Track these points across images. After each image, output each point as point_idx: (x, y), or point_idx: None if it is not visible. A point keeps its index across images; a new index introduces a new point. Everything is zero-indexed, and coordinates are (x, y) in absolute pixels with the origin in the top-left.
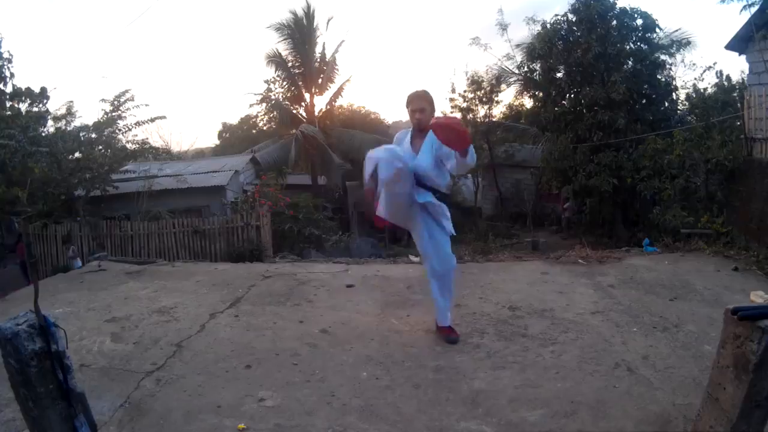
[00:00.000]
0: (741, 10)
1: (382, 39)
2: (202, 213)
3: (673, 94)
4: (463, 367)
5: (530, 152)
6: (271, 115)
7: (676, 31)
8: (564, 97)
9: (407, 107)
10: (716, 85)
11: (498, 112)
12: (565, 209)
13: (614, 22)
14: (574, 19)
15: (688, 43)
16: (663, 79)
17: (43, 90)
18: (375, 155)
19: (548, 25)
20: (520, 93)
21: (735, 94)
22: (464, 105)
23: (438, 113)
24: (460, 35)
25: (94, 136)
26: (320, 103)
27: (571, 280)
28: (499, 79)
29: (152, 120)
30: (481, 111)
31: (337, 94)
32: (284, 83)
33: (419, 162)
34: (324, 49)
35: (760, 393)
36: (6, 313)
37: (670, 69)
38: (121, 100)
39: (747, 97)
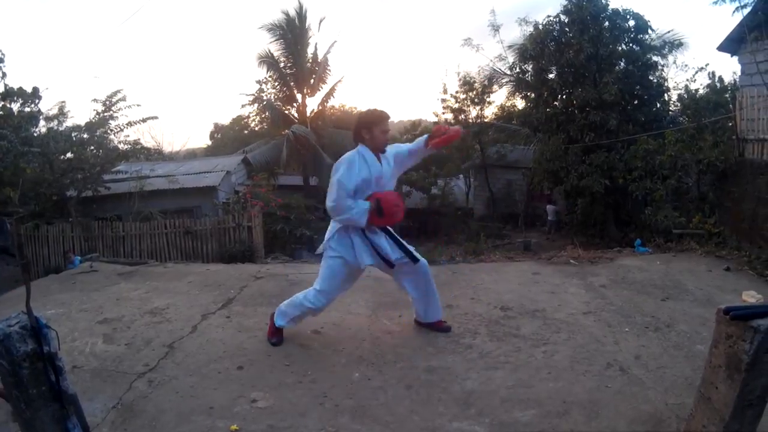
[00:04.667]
0: (733, 12)
1: (375, 40)
2: (194, 214)
3: (665, 95)
4: (455, 367)
5: (522, 153)
6: (263, 116)
7: (669, 32)
8: (556, 98)
9: (378, 125)
10: (708, 86)
11: (490, 112)
12: (545, 212)
13: (606, 23)
14: (566, 20)
15: (681, 44)
16: (655, 80)
17: (35, 90)
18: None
19: (540, 26)
20: (512, 94)
21: (727, 95)
22: (456, 106)
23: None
24: (452, 36)
25: (86, 136)
26: (312, 103)
27: (563, 281)
28: (491, 80)
29: (144, 120)
30: (473, 112)
31: (329, 94)
32: (276, 84)
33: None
34: (316, 49)
35: (753, 392)
36: None
37: (662, 70)
38: (113, 100)
39: (739, 98)
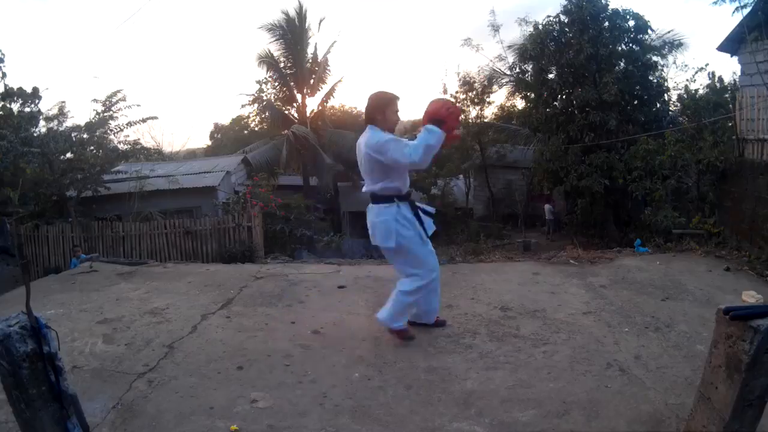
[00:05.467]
0: (733, 12)
1: (375, 40)
2: (194, 214)
3: (665, 95)
4: (455, 367)
5: (522, 153)
6: (263, 116)
7: (669, 32)
8: (556, 98)
9: (391, 107)
10: (708, 86)
11: (490, 113)
12: (545, 211)
13: (606, 24)
14: (566, 21)
15: (680, 44)
16: (655, 81)
17: (35, 90)
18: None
19: (540, 27)
20: (512, 94)
21: (727, 96)
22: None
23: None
24: (452, 36)
25: (85, 136)
26: (312, 103)
27: (563, 281)
28: (491, 80)
29: (144, 120)
30: (473, 112)
31: (329, 94)
32: (276, 84)
33: None
34: (316, 49)
35: (753, 392)
36: None
37: (662, 70)
38: (113, 100)
39: (739, 98)
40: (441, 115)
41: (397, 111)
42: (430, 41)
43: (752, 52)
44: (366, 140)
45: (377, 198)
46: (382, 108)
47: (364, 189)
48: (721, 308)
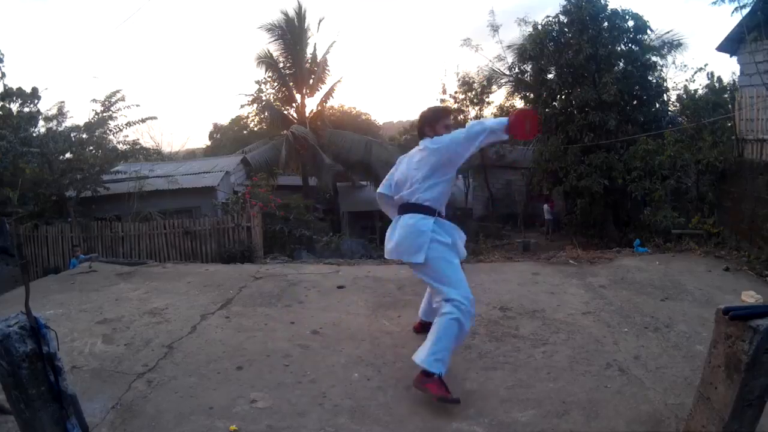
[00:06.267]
0: (732, 12)
1: (374, 40)
2: (193, 214)
3: (664, 95)
4: (455, 367)
5: (521, 153)
6: (262, 116)
7: (668, 32)
8: (555, 99)
9: (441, 121)
10: (707, 86)
11: (489, 113)
12: (544, 211)
13: (605, 24)
14: (565, 21)
15: (680, 44)
16: (654, 81)
17: (35, 90)
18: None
19: (539, 27)
20: (511, 94)
21: (726, 96)
22: (455, 106)
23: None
24: (452, 37)
25: (85, 136)
26: (311, 104)
27: (562, 281)
28: (490, 80)
29: (143, 120)
30: (472, 112)
31: (328, 95)
32: (275, 84)
33: None
34: (315, 50)
35: (752, 392)
36: None
37: (661, 70)
38: (112, 100)
39: (738, 98)
40: (512, 116)
41: (448, 126)
42: (430, 41)
43: (751, 52)
44: (425, 142)
45: (415, 207)
46: (432, 122)
47: (396, 196)
48: (721, 308)
